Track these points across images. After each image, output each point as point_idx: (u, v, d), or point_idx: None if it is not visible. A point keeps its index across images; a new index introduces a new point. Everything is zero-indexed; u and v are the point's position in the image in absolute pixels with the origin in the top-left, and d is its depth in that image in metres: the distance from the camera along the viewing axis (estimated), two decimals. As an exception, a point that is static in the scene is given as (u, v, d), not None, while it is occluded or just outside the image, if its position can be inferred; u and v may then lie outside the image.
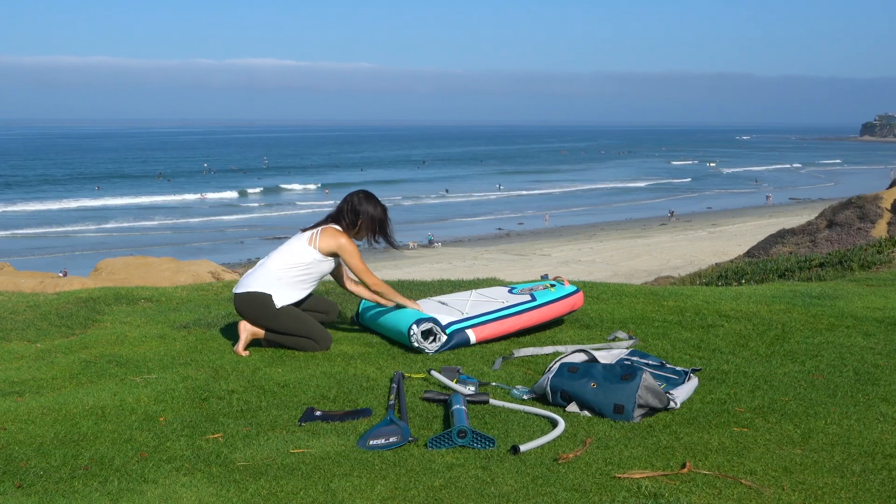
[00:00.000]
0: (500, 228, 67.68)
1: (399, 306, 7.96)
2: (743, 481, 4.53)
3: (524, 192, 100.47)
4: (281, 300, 7.64)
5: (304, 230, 7.88)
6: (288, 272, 7.65)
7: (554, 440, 5.19)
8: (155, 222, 77.20)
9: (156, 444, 5.26)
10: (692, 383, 6.14)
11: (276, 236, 67.54)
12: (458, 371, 6.59)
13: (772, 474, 4.64)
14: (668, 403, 5.72)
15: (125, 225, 74.87)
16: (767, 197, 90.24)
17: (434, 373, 6.40)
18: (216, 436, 5.39)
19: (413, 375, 6.62)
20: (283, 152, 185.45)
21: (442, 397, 5.99)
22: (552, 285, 8.28)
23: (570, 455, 4.91)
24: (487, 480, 4.59)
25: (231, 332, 8.16)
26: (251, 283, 7.68)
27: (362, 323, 8.45)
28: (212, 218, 79.97)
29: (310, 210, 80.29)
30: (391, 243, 8.05)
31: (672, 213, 76.05)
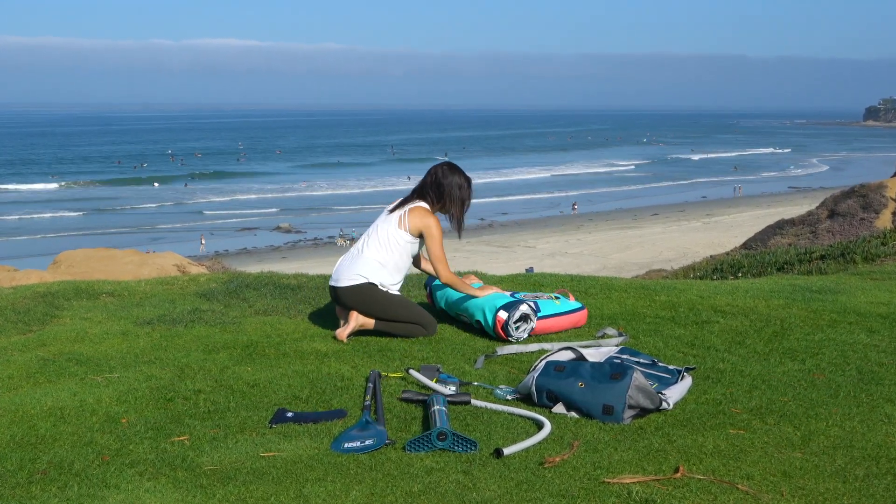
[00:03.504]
0: (482, 219, 67.61)
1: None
2: (739, 486, 4.54)
3: (511, 179, 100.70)
4: (385, 284, 7.96)
5: (392, 210, 8.13)
6: (388, 258, 7.95)
7: (539, 443, 5.19)
8: (116, 211, 77.03)
9: (118, 447, 5.25)
10: (686, 383, 6.14)
11: (246, 227, 67.42)
12: (438, 370, 6.59)
13: (770, 479, 4.65)
14: (661, 404, 5.73)
15: (83, 214, 74.72)
16: (737, 188, 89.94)
17: (412, 372, 6.40)
18: (182, 438, 5.38)
19: (390, 374, 6.62)
20: (256, 145, 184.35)
21: (421, 398, 5.99)
22: (556, 297, 8.28)
23: (557, 459, 4.91)
24: (469, 486, 4.60)
25: (198, 330, 8.14)
26: (352, 274, 7.96)
27: (433, 293, 8.68)
28: (182, 209, 79.89)
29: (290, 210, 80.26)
30: (462, 223, 8.26)
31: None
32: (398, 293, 8.06)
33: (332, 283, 8.13)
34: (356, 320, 7.82)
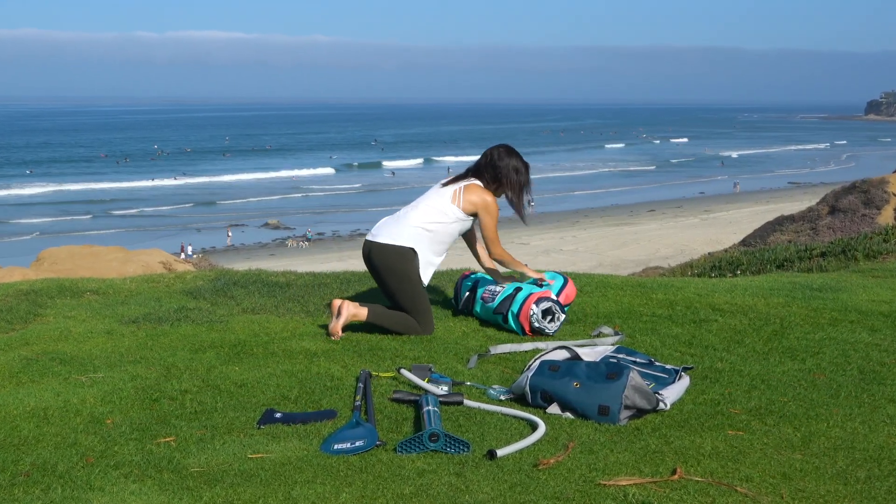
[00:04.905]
0: (475, 215, 67.58)
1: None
2: (738, 489, 4.54)
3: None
4: (424, 258, 7.96)
5: (445, 184, 8.18)
6: (431, 227, 7.95)
7: (533, 444, 5.20)
8: (101, 208, 76.96)
9: (102, 448, 5.24)
10: (683, 383, 6.15)
11: (233, 223, 67.38)
12: (430, 369, 6.58)
13: (769, 481, 4.65)
14: (658, 404, 5.73)
15: (66, 212, 74.62)
16: (736, 184, 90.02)
17: (404, 371, 6.40)
18: (168, 439, 5.38)
19: (381, 374, 6.62)
20: (244, 142, 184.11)
21: (412, 398, 5.99)
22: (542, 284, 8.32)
23: (551, 460, 4.92)
24: (461, 488, 4.60)
25: (184, 328, 8.14)
26: (391, 234, 7.98)
27: (461, 295, 8.71)
28: (166, 205, 79.84)
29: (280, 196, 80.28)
30: (522, 207, 8.31)
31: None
32: (422, 278, 8.05)
33: (368, 237, 8.13)
34: (348, 310, 7.76)
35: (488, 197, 8.01)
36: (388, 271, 7.94)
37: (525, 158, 8.28)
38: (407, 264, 7.91)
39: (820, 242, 18.60)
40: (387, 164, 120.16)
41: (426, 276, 8.06)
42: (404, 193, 79.94)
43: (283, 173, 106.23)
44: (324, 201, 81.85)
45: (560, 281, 8.31)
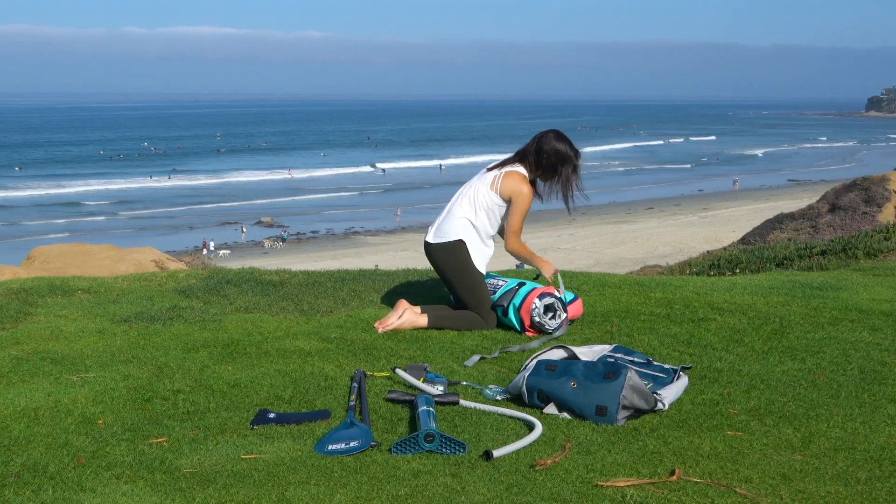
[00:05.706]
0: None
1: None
2: (737, 490, 4.54)
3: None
4: (474, 247, 8.04)
5: (490, 169, 8.16)
6: (474, 217, 8.01)
7: (530, 445, 5.19)
8: (93, 206, 76.88)
9: (94, 449, 5.23)
10: (682, 382, 6.14)
11: (226, 221, 67.35)
12: (426, 369, 6.58)
13: (769, 482, 4.65)
14: (656, 404, 5.72)
15: (58, 210, 74.55)
16: (734, 182, 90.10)
17: (399, 371, 6.38)
18: (160, 440, 5.36)
19: (376, 374, 6.60)
20: (236, 141, 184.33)
21: (408, 398, 5.98)
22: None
23: (548, 461, 4.91)
24: (457, 489, 4.59)
25: (177, 327, 8.12)
26: (441, 232, 8.11)
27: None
28: (159, 203, 79.78)
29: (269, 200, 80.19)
30: (568, 197, 8.20)
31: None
32: (479, 268, 8.08)
33: (425, 238, 8.27)
34: (408, 318, 7.85)
35: (524, 188, 7.93)
36: (445, 267, 8.09)
37: (575, 145, 8.18)
38: (460, 257, 8.01)
39: (820, 240, 18.60)
40: (380, 164, 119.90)
41: (481, 265, 8.12)
42: (400, 192, 79.99)
43: (278, 171, 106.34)
44: (318, 200, 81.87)
45: (570, 296, 8.28)
